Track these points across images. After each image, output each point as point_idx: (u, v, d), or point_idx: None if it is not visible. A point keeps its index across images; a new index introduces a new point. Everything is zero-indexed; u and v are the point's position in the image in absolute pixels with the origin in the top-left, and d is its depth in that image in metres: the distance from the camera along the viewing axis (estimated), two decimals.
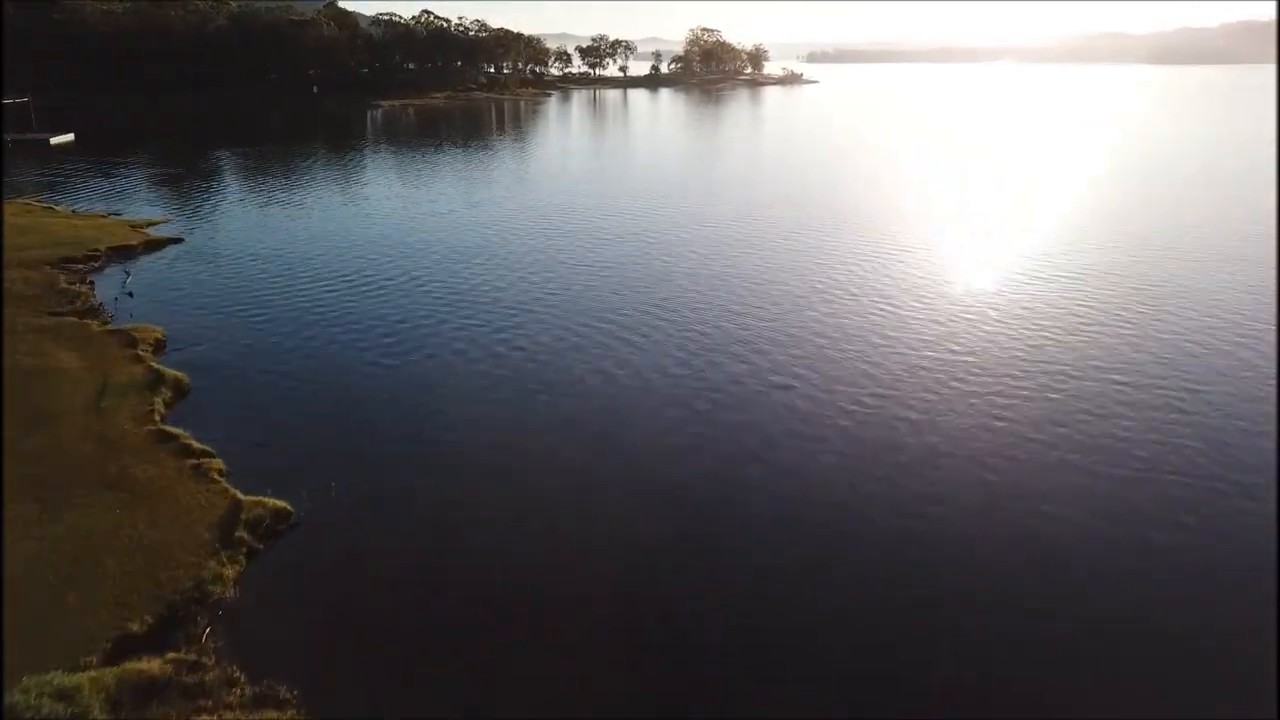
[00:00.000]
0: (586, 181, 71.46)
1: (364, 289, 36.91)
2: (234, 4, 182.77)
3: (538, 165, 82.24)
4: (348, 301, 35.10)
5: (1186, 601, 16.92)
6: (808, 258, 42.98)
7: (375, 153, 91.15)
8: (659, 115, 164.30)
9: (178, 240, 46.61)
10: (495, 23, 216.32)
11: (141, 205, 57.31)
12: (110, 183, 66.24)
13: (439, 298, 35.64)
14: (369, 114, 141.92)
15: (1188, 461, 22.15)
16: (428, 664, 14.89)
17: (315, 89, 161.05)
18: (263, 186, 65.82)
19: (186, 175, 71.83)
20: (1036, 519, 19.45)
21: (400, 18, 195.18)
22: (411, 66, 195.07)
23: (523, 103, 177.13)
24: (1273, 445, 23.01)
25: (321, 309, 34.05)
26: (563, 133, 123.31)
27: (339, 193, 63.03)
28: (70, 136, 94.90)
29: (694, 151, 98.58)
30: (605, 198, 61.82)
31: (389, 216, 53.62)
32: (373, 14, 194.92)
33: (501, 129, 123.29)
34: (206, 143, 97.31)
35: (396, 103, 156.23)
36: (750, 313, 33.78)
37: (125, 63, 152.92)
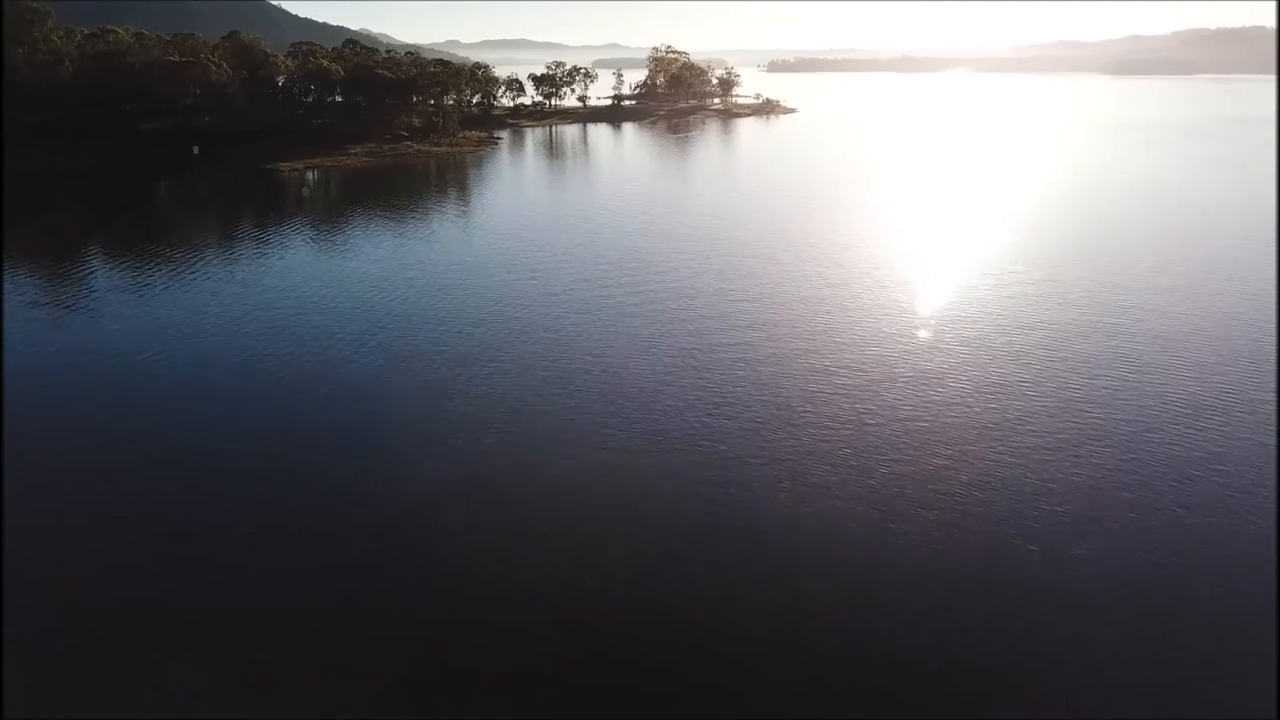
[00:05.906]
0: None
1: None
2: (128, 33, 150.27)
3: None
4: None
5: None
6: None
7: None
8: (624, 167, 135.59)
9: None
10: (447, 30, 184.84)
11: None
12: None
13: None
14: (260, 183, 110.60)
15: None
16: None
17: (196, 149, 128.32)
18: None
19: None
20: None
21: (318, 53, 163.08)
22: (339, 99, 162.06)
23: (467, 155, 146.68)
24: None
25: None
26: (514, 213, 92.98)
27: None
28: None
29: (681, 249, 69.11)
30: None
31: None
32: (316, 17, 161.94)
33: (441, 194, 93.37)
34: None
35: (299, 164, 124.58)
36: None
37: None
